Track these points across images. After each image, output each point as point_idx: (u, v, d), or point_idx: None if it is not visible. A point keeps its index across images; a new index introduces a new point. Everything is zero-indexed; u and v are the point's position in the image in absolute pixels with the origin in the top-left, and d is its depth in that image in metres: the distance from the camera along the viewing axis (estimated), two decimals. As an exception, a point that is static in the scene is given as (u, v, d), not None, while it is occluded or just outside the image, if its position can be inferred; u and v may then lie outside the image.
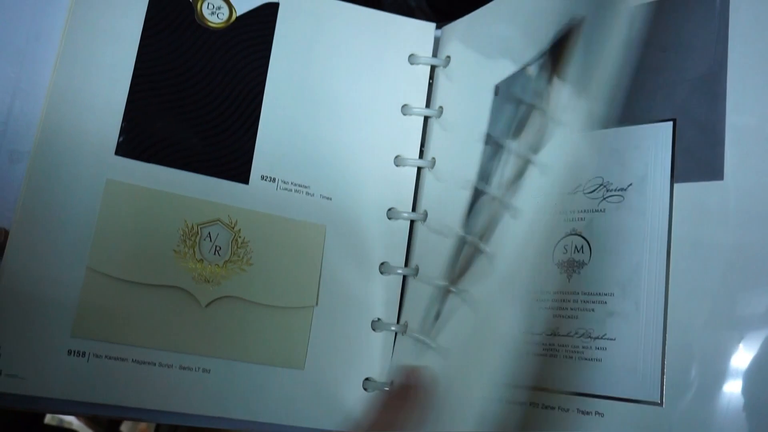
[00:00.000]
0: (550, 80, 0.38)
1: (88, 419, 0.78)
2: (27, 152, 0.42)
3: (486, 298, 0.37)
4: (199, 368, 0.42)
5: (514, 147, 0.39)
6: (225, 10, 0.45)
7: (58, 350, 0.40)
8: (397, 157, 0.48)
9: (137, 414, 0.41)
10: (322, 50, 0.47)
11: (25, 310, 0.40)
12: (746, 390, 0.33)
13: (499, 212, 0.38)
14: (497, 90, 0.43)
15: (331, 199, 0.46)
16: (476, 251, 0.39)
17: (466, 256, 0.40)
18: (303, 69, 0.47)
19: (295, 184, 0.45)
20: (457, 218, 0.42)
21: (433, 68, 0.50)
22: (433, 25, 0.50)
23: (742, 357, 0.33)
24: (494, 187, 0.40)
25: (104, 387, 0.40)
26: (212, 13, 0.44)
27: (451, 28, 0.50)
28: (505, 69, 0.43)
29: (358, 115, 0.48)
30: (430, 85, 0.50)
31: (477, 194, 0.42)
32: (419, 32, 0.50)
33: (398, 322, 0.46)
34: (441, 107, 0.49)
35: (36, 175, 0.41)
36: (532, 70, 0.40)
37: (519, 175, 0.38)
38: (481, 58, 0.47)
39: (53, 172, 0.41)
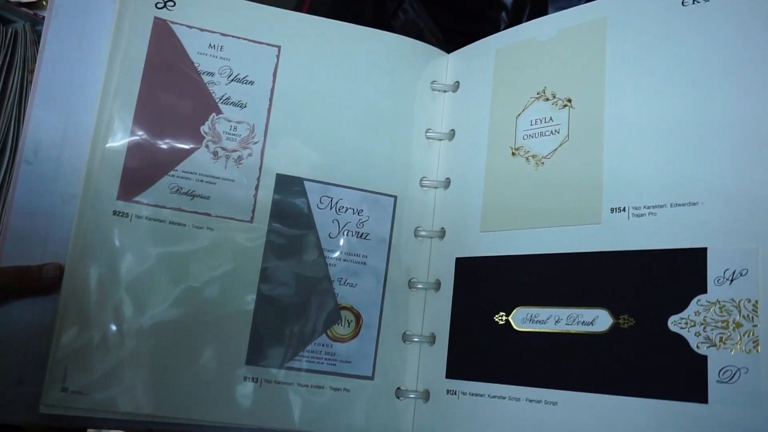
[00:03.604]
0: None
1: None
2: (76, 194, 0.46)
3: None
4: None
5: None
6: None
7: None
8: (422, 178, 0.52)
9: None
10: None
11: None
12: None
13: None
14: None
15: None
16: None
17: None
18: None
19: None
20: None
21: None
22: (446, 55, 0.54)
23: None
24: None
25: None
26: None
27: (460, 55, 0.54)
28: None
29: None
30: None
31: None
32: (436, 59, 0.54)
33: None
34: (453, 130, 0.52)
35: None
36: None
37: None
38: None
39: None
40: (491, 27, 0.67)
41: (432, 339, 0.49)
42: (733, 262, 0.37)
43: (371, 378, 0.48)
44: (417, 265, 0.51)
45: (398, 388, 0.49)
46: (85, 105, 0.47)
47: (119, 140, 0.46)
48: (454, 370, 0.47)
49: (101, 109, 0.46)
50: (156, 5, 0.48)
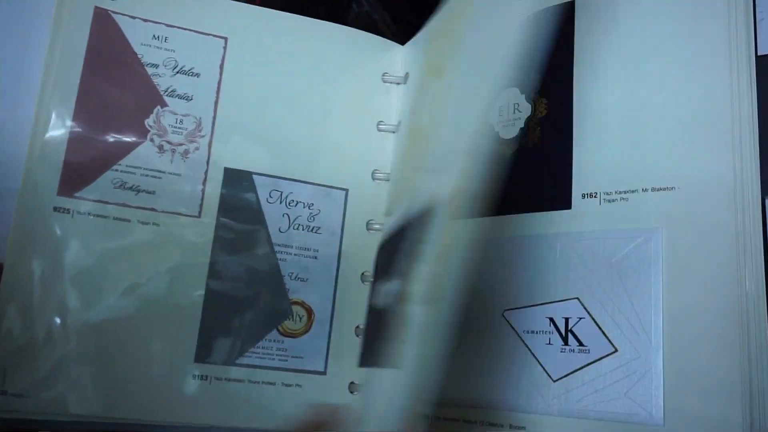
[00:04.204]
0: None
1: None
2: (17, 189, 0.44)
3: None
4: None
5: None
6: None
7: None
8: (374, 171, 0.52)
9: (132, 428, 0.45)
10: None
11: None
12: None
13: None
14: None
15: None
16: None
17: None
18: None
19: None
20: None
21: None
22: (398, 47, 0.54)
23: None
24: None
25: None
26: None
27: (412, 47, 0.53)
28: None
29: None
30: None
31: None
32: (387, 51, 0.53)
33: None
34: (400, 122, 0.52)
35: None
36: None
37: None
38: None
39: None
40: (446, 19, 0.66)
41: (385, 332, 0.49)
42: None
43: (324, 373, 0.48)
44: (369, 258, 0.50)
45: (351, 383, 0.48)
46: (24, 97, 0.45)
47: (59, 134, 0.45)
48: (405, 363, 0.47)
49: (40, 101, 0.45)
50: (97, -6, 0.47)
